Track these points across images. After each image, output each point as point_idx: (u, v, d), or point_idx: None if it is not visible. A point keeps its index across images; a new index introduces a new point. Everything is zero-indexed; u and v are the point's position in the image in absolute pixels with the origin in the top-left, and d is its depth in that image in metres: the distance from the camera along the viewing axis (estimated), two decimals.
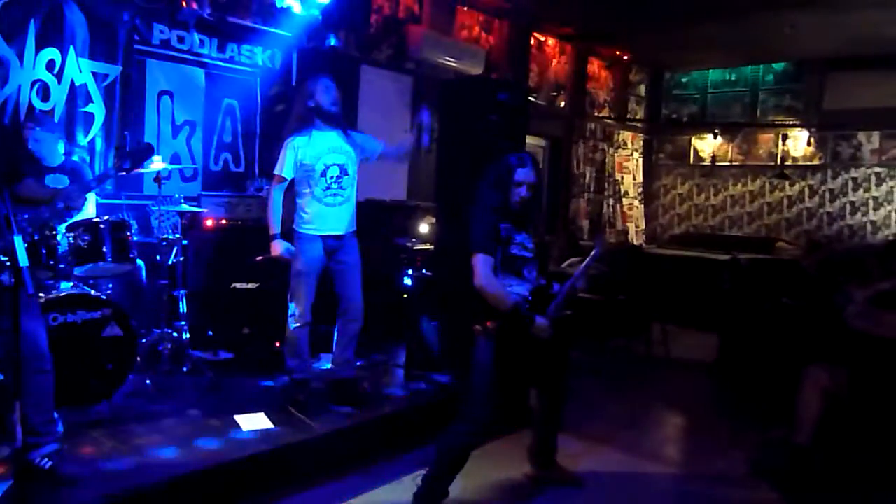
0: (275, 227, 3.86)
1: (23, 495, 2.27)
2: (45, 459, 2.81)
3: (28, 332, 2.67)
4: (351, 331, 3.99)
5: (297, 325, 3.88)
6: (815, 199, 10.09)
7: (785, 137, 10.24)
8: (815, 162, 10.07)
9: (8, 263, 1.99)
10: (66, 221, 3.53)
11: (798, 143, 10.18)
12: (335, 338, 4.04)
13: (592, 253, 3.23)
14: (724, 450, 4.21)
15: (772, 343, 4.91)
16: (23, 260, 1.94)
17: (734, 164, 10.75)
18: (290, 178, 3.85)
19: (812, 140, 10.02)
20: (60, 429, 2.93)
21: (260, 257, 4.58)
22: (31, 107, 4.40)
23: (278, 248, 3.88)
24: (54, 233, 3.40)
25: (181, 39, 5.20)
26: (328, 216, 3.84)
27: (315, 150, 3.81)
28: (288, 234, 3.93)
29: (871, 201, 9.69)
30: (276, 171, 3.89)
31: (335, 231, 3.87)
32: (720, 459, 4.07)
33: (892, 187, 9.55)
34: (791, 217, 10.28)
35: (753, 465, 3.91)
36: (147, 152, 3.53)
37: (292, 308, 3.89)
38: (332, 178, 3.83)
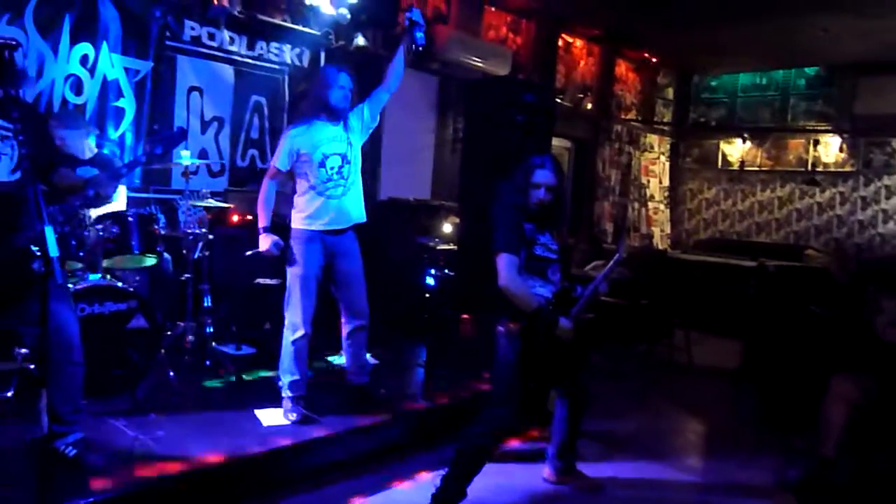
0: (265, 219, 3.59)
1: (47, 483, 2.31)
2: (70, 448, 2.86)
3: (60, 324, 2.72)
4: (362, 337, 3.82)
5: (296, 337, 3.59)
6: (846, 206, 9.90)
7: (816, 143, 10.07)
8: (847, 169, 9.88)
9: (39, 253, 2.02)
10: (97, 207, 3.56)
11: (829, 148, 10.01)
12: (345, 347, 3.85)
13: (615, 257, 3.20)
14: (746, 459, 4.15)
15: (797, 351, 4.83)
16: (53, 250, 1.97)
17: (763, 169, 10.59)
18: (285, 170, 3.61)
19: (844, 146, 9.84)
20: (84, 419, 2.98)
21: (249, 252, 4.40)
22: (63, 101, 4.48)
23: (266, 241, 3.56)
24: (84, 224, 3.47)
25: (211, 36, 5.26)
26: (330, 209, 3.59)
27: (313, 140, 3.56)
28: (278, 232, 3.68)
29: None
30: (271, 163, 3.67)
31: (337, 226, 3.62)
32: (742, 469, 4.01)
33: None
34: (820, 224, 10.10)
35: (777, 476, 3.85)
36: (179, 138, 3.38)
37: (290, 318, 3.60)
38: (332, 168, 3.58)
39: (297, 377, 3.63)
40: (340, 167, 3.61)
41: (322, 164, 3.57)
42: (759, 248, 9.42)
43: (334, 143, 3.61)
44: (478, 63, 6.96)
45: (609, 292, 3.23)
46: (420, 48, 3.78)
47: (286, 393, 3.64)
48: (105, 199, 3.25)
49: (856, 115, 9.73)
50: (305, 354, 3.67)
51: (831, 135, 9.95)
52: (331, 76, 3.62)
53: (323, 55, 5.99)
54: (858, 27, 7.77)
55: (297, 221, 3.63)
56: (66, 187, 2.91)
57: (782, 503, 3.61)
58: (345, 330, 3.81)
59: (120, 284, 3.69)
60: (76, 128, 3.97)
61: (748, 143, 10.55)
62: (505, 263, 2.93)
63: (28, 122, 2.72)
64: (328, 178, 3.58)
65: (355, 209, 3.69)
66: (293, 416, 3.59)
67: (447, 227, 5.80)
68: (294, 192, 3.71)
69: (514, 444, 4.01)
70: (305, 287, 3.57)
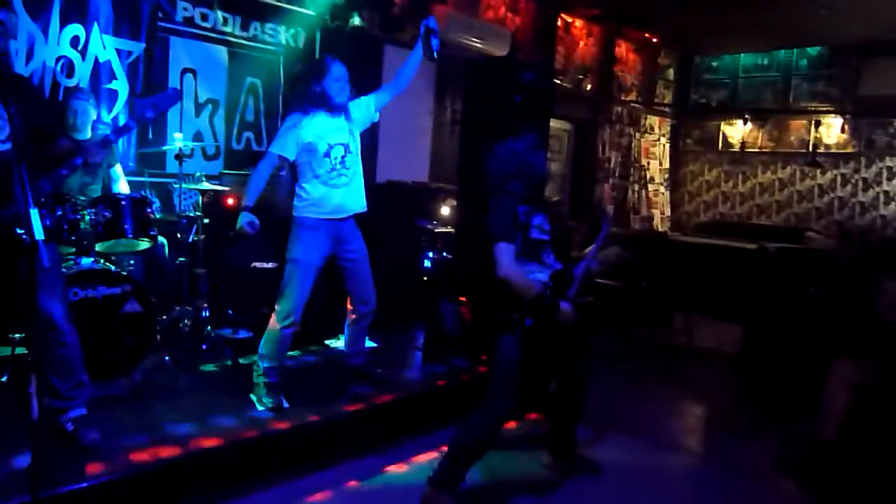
0: (249, 198, 3.52)
1: (41, 466, 2.29)
2: (70, 423, 2.87)
3: (43, 307, 2.69)
4: (366, 323, 3.82)
5: (285, 323, 3.53)
6: (847, 188, 9.84)
7: (818, 124, 9.98)
8: (849, 150, 9.80)
9: (24, 236, 1.98)
10: (86, 179, 3.50)
11: (831, 130, 9.92)
12: (348, 329, 3.86)
13: (601, 234, 3.19)
14: (746, 442, 4.14)
15: (798, 335, 4.80)
16: (38, 233, 1.92)
17: (764, 150, 10.51)
18: (292, 160, 3.57)
19: (846, 127, 9.75)
20: (88, 394, 2.96)
21: (232, 233, 4.42)
22: (54, 83, 4.41)
23: (242, 219, 3.49)
24: (76, 208, 3.43)
25: (204, 17, 5.18)
26: (334, 198, 3.58)
27: (318, 130, 3.54)
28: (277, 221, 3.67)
29: None
30: (273, 150, 3.57)
31: (341, 214, 3.62)
32: (742, 452, 4.00)
33: None
34: (822, 206, 10.04)
35: (776, 459, 3.84)
36: (171, 99, 3.10)
37: (283, 304, 3.54)
38: (336, 158, 3.57)
39: (275, 364, 3.59)
40: (344, 157, 3.60)
41: (327, 155, 3.56)
42: (760, 230, 9.37)
43: (338, 134, 3.60)
44: (476, 43, 6.87)
45: (609, 275, 3.20)
46: (437, 55, 3.79)
47: (262, 378, 3.58)
48: (94, 169, 3.14)
49: (858, 96, 9.64)
50: (289, 343, 3.64)
51: (833, 116, 9.87)
52: (325, 69, 3.57)
53: (318, 36, 5.91)
54: (861, 7, 7.67)
55: (301, 210, 3.60)
56: (58, 157, 2.84)
57: (782, 485, 3.59)
58: (351, 315, 3.81)
59: (113, 269, 3.65)
60: (88, 104, 3.96)
61: (749, 125, 10.46)
62: (503, 252, 2.89)
63: (20, 94, 2.67)
64: (332, 167, 3.57)
65: (358, 198, 3.69)
66: (268, 403, 3.53)
67: (445, 210, 5.76)
68: (286, 178, 3.66)
69: (514, 427, 3.99)
70: (304, 276, 3.54)
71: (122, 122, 4.77)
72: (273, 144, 3.62)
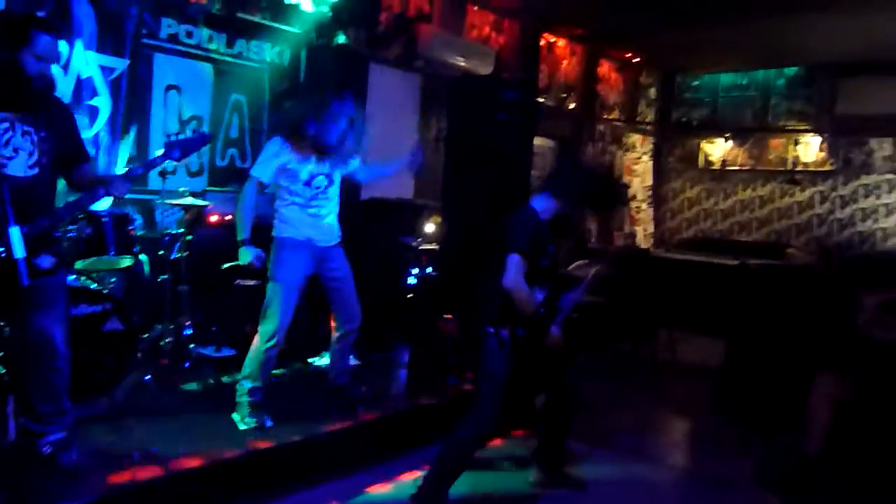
0: (244, 230, 3.48)
1: (17, 484, 2.24)
2: (47, 446, 2.79)
3: (44, 328, 2.64)
4: (351, 340, 3.80)
5: (269, 345, 3.49)
6: (825, 205, 9.99)
7: (796, 143, 10.15)
8: (827, 168, 9.96)
9: (3, 255, 1.95)
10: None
11: (809, 148, 10.08)
12: (333, 348, 3.82)
13: (589, 278, 3.24)
14: (729, 457, 4.15)
15: (780, 349, 4.84)
16: (19, 251, 1.90)
17: (744, 168, 10.65)
18: (268, 184, 3.53)
19: (824, 145, 9.92)
20: (70, 420, 2.88)
21: (227, 265, 4.36)
22: None
23: (248, 254, 3.48)
24: (56, 225, 3.38)
25: (189, 34, 5.18)
26: (313, 225, 3.57)
27: (301, 157, 3.51)
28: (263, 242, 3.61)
29: (882, 208, 9.57)
30: (253, 172, 3.54)
31: (321, 242, 3.61)
32: (726, 466, 4.01)
33: None
34: (801, 223, 10.18)
35: (759, 473, 3.85)
36: (200, 142, 3.04)
37: (266, 325, 3.49)
38: (318, 187, 3.56)
39: (258, 384, 3.55)
40: (327, 187, 3.60)
41: (308, 183, 3.54)
42: (741, 246, 9.47)
43: (322, 164, 3.57)
44: (461, 62, 6.92)
45: (593, 291, 3.25)
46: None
47: (245, 398, 3.54)
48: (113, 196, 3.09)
49: (835, 114, 9.81)
50: (273, 364, 3.60)
51: (811, 134, 10.03)
52: (325, 111, 3.48)
53: (304, 53, 5.93)
54: (838, 28, 7.83)
55: (283, 230, 3.57)
56: (80, 184, 2.82)
57: (766, 499, 3.60)
58: (336, 333, 3.78)
59: (94, 286, 3.61)
60: None
61: (730, 143, 10.62)
62: (515, 265, 2.93)
63: (54, 117, 2.67)
64: (313, 196, 3.56)
65: (332, 231, 3.69)
66: (251, 422, 3.48)
67: (430, 227, 5.76)
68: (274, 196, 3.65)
69: (500, 444, 3.98)
70: (287, 297, 3.50)
71: (103, 139, 4.75)
72: (255, 166, 3.58)
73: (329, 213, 3.64)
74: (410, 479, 3.41)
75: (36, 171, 2.57)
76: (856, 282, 4.07)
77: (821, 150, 9.95)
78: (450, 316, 4.92)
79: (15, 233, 1.90)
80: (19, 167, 2.53)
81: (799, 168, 10.10)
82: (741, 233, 10.67)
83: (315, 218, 3.58)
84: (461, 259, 4.73)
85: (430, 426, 3.90)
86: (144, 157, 4.83)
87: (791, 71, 10.22)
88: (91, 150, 4.63)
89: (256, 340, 3.54)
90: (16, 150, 2.53)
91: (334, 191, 3.66)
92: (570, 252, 6.59)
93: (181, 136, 2.91)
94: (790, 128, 10.21)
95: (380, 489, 3.39)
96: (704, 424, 4.91)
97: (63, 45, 4.49)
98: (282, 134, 3.58)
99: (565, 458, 3.58)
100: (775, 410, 4.52)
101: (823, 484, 3.56)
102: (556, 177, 3.20)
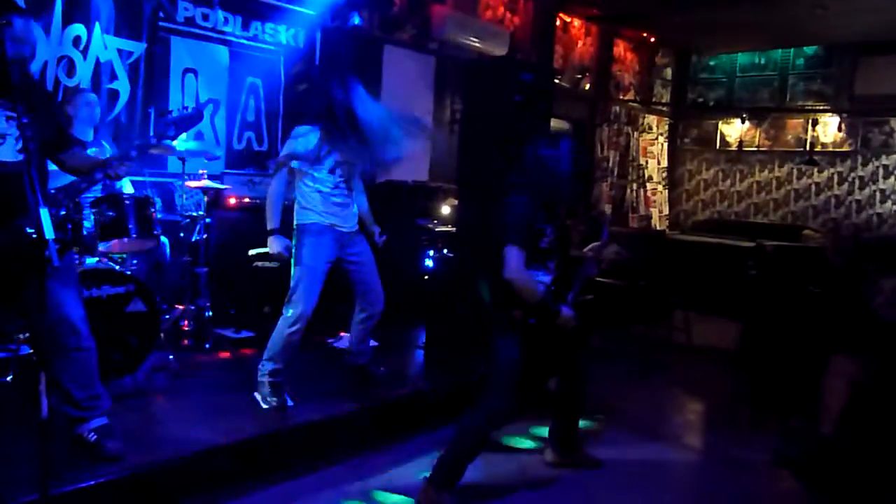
0: (274, 220, 3.54)
1: (48, 464, 2.30)
2: (92, 433, 2.82)
3: (62, 309, 2.66)
4: (373, 322, 3.84)
5: (293, 329, 3.51)
6: (843, 186, 9.89)
7: (814, 123, 10.03)
8: (845, 148, 9.85)
9: (35, 235, 1.98)
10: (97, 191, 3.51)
11: (828, 128, 9.97)
12: (353, 329, 3.87)
13: (601, 240, 3.23)
14: (745, 438, 4.17)
15: (796, 331, 4.83)
16: (49, 232, 1.93)
17: (761, 149, 10.56)
18: (295, 168, 3.59)
19: (842, 126, 9.80)
20: (107, 404, 2.91)
21: (254, 252, 4.43)
22: (56, 83, 4.42)
23: (277, 245, 3.54)
24: (80, 208, 3.43)
25: (206, 17, 5.20)
26: (336, 213, 3.63)
27: (328, 144, 3.54)
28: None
29: None
30: (281, 160, 3.63)
31: (344, 228, 3.67)
32: (741, 447, 4.03)
33: None
34: (818, 205, 10.09)
35: (775, 454, 3.86)
36: (194, 119, 3.09)
37: (291, 310, 3.52)
38: (340, 177, 3.60)
39: (280, 366, 3.58)
40: (348, 178, 3.64)
41: (332, 171, 3.58)
42: (757, 228, 9.41)
43: (346, 152, 3.59)
44: (475, 43, 6.90)
45: (608, 274, 3.25)
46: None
47: (267, 378, 3.57)
48: (114, 181, 3.14)
49: (854, 94, 9.69)
50: (296, 347, 3.62)
51: (830, 115, 9.91)
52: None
53: (318, 36, 5.93)
54: (857, 6, 7.70)
55: (304, 217, 3.61)
56: (75, 168, 2.84)
57: (781, 481, 3.62)
58: (359, 316, 3.82)
59: (117, 268, 3.67)
60: (86, 107, 3.95)
61: (746, 124, 10.51)
62: (514, 255, 2.92)
63: (35, 100, 2.67)
64: (336, 185, 3.60)
65: (351, 218, 3.74)
66: (273, 402, 3.53)
67: (446, 209, 5.78)
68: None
69: (514, 426, 4.02)
70: (312, 282, 3.53)
71: (123, 122, 4.79)
72: (282, 154, 3.64)
73: (351, 202, 3.70)
74: (427, 459, 3.46)
75: (24, 156, 2.55)
76: (873, 264, 4.05)
77: (839, 130, 9.83)
78: (466, 299, 4.94)
79: (45, 214, 1.94)
80: (8, 153, 2.52)
81: (817, 149, 9.99)
82: (757, 214, 10.60)
83: (338, 206, 3.63)
84: (477, 241, 4.74)
85: (447, 407, 3.94)
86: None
87: (810, 50, 10.09)
88: (111, 133, 4.70)
89: (281, 324, 3.57)
90: (2, 136, 2.52)
91: (355, 183, 3.71)
92: (584, 234, 6.60)
93: (174, 115, 2.93)
94: (808, 108, 10.09)
95: (397, 469, 3.44)
96: (720, 406, 4.92)
97: (82, 29, 4.53)
98: (308, 121, 3.61)
99: (580, 439, 3.62)
100: (791, 392, 4.52)
101: (839, 465, 3.57)
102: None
